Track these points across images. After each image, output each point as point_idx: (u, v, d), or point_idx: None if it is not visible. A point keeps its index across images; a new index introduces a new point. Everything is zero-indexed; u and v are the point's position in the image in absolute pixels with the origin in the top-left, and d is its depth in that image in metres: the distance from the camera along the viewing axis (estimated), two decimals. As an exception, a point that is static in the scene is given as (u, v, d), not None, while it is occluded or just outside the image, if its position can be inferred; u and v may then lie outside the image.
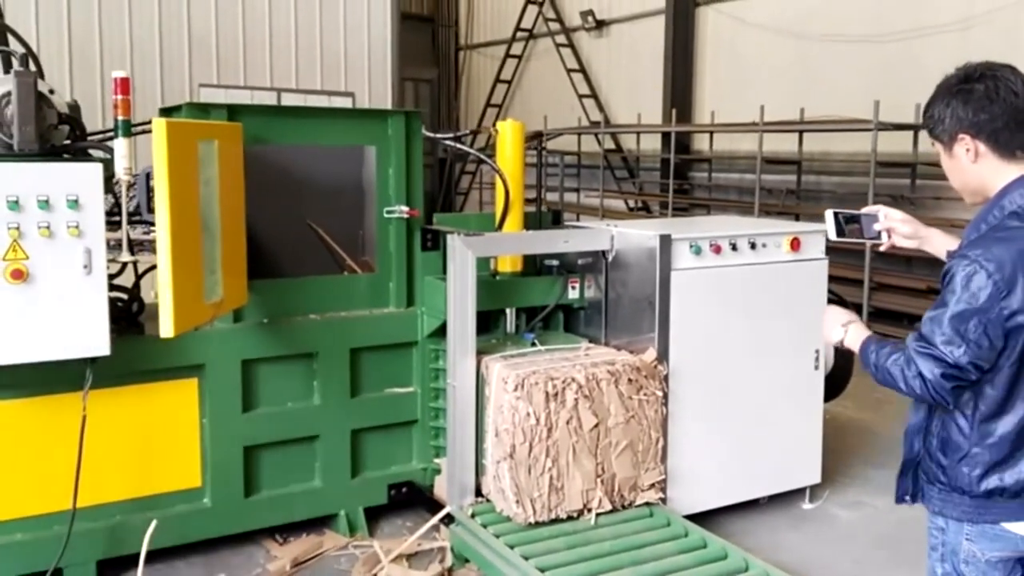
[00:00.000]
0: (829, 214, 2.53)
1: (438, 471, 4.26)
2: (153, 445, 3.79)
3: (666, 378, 4.02)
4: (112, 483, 3.71)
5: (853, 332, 2.35)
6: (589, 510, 3.83)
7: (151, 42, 9.47)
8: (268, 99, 9.70)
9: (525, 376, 3.71)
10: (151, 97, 8.85)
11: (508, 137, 4.38)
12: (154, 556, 3.67)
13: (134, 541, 3.69)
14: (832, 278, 4.61)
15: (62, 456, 3.51)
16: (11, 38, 4.08)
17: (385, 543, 4.03)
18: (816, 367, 4.51)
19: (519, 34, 17.12)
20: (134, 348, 3.67)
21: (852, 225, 2.52)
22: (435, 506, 4.12)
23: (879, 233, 2.51)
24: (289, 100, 9.85)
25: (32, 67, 3.47)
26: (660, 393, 3.98)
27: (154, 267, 4.02)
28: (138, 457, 3.76)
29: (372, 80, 10.46)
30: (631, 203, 14.49)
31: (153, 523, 3.58)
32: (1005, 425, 2.13)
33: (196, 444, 3.86)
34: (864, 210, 2.56)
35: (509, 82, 17.55)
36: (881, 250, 2.52)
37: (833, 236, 2.51)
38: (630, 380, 3.89)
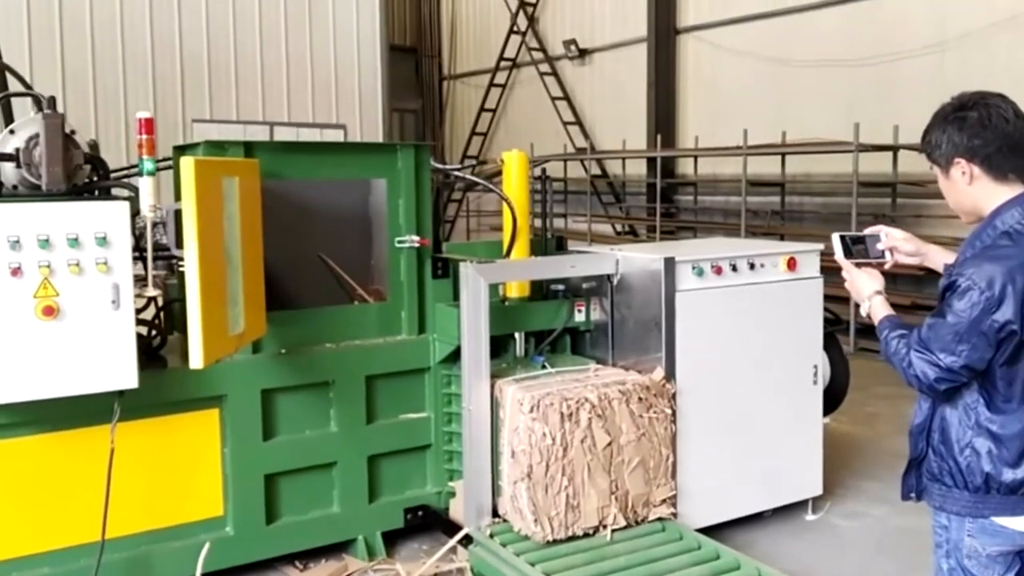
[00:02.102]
0: (836, 237, 2.66)
1: (452, 494, 4.35)
2: (176, 475, 3.87)
3: (674, 396, 4.15)
4: (137, 514, 3.77)
5: (875, 307, 2.53)
6: (604, 527, 3.93)
7: (144, 77, 9.60)
8: (261, 133, 9.83)
9: (540, 398, 3.83)
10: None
11: (513, 167, 4.53)
12: (178, 586, 3.74)
13: (159, 571, 3.79)
14: (826, 297, 4.76)
15: (88, 489, 3.58)
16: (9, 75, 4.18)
17: (404, 566, 4.10)
18: (815, 382, 4.65)
19: (503, 63, 17.37)
20: (158, 381, 3.75)
21: (858, 246, 2.65)
22: (451, 528, 4.20)
23: (883, 252, 2.65)
24: (281, 133, 9.99)
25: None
26: (669, 411, 4.10)
27: (173, 301, 4.14)
28: (162, 487, 3.83)
29: (363, 112, 10.64)
30: (618, 227, 14.69)
31: (207, 545, 3.69)
32: (1003, 425, 2.30)
33: (218, 473, 3.94)
34: (867, 231, 2.70)
35: (494, 111, 17.76)
36: (886, 268, 2.66)
37: (841, 257, 2.63)
38: (640, 399, 4.01)
